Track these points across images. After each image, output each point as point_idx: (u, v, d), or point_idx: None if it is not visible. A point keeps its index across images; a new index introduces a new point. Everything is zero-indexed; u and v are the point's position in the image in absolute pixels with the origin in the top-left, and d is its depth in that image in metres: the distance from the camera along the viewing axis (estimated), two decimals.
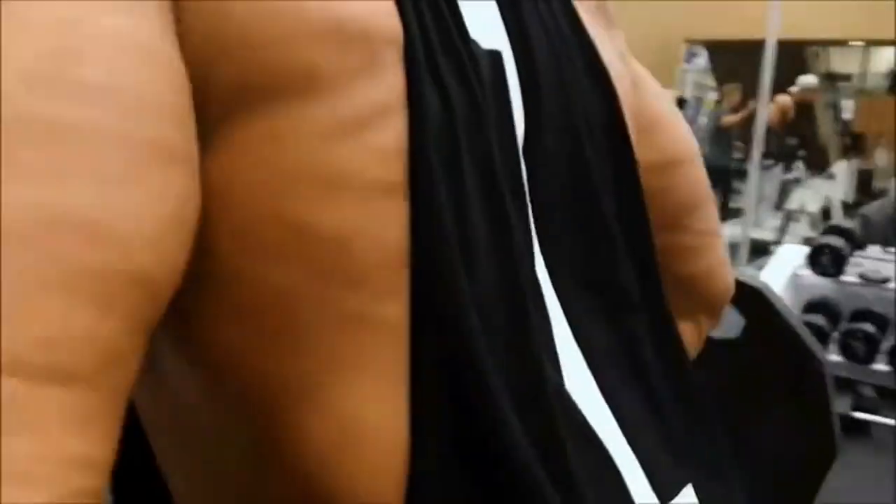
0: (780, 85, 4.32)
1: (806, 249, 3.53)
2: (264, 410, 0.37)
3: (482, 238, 0.40)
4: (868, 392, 3.22)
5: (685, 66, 9.63)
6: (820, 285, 3.41)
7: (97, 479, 0.28)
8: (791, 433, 0.86)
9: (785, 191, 6.65)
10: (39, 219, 0.28)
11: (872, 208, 5.59)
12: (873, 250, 4.11)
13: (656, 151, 0.57)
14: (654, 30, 7.11)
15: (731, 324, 0.87)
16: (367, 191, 0.37)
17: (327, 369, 0.37)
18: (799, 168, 6.88)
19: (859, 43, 9.98)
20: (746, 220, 4.53)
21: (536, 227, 0.45)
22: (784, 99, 6.74)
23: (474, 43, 0.43)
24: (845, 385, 3.08)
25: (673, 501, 0.45)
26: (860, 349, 3.16)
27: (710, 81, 9.84)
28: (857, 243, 3.65)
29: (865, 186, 8.25)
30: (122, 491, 0.55)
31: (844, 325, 3.27)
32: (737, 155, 7.15)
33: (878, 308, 3.39)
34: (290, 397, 0.37)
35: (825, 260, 3.41)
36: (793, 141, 6.91)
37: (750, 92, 6.95)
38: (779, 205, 6.68)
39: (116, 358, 0.30)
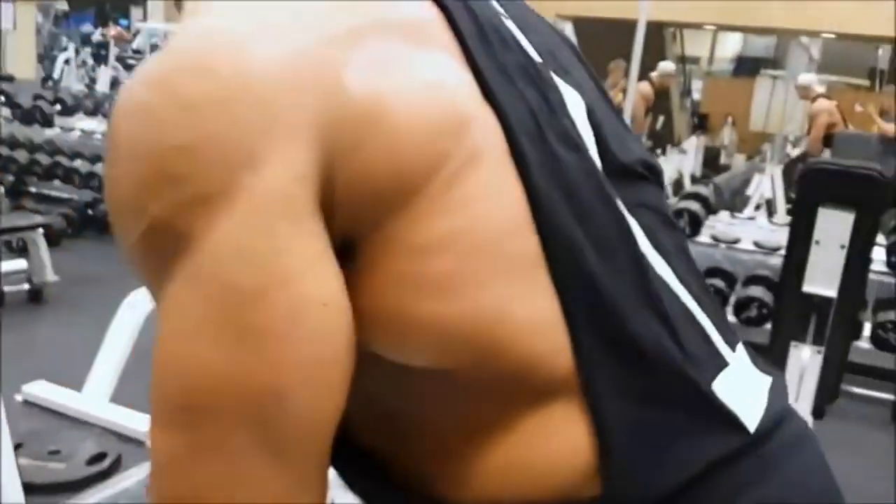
0: (643, 65, 4.67)
1: None
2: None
3: (586, 184, 0.54)
4: None
5: None
6: None
7: None
8: None
9: None
10: None
11: (723, 179, 6.14)
12: (723, 215, 4.60)
13: None
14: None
15: None
16: None
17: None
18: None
19: (711, 27, 10.66)
20: None
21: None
22: (645, 87, 7.18)
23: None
24: None
25: (736, 352, 0.60)
26: None
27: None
28: (711, 209, 4.06)
29: (713, 161, 8.91)
30: None
31: None
32: None
33: (727, 266, 3.83)
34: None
35: (683, 222, 3.75)
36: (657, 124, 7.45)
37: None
38: None
39: None
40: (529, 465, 0.52)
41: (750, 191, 6.16)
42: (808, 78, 7.48)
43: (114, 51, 10.23)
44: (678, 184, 6.69)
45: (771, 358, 1.65)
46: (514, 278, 0.50)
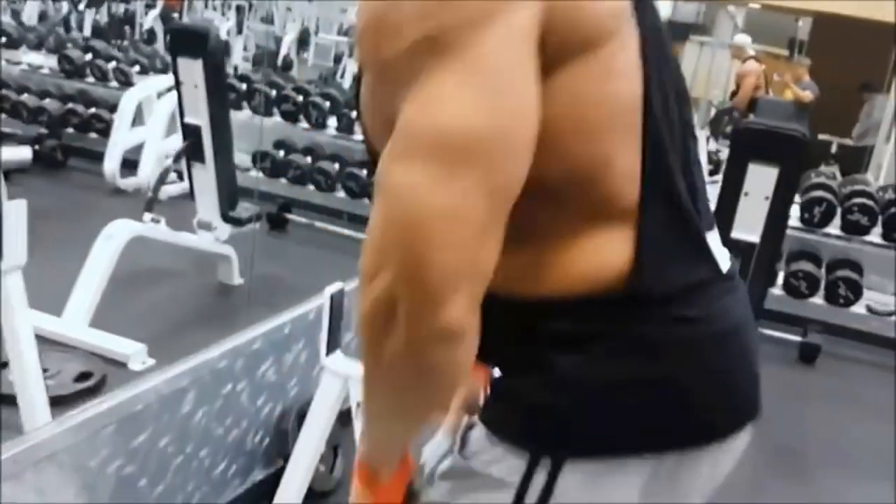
0: None
1: None
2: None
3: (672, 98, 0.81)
4: None
5: None
6: None
7: None
8: None
9: None
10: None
11: None
12: None
13: None
14: None
15: None
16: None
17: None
18: None
19: None
20: None
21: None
22: None
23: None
24: None
25: (713, 233, 0.88)
26: None
27: None
28: None
29: None
30: None
31: None
32: None
33: None
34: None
35: None
36: None
37: None
38: None
39: None
40: (585, 267, 0.79)
41: None
42: (742, 38, 7.90)
43: None
44: None
45: None
46: (623, 140, 0.77)
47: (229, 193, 3.59)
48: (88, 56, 5.55)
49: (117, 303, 3.16)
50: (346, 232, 4.66)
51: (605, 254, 0.78)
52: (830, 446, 3.31)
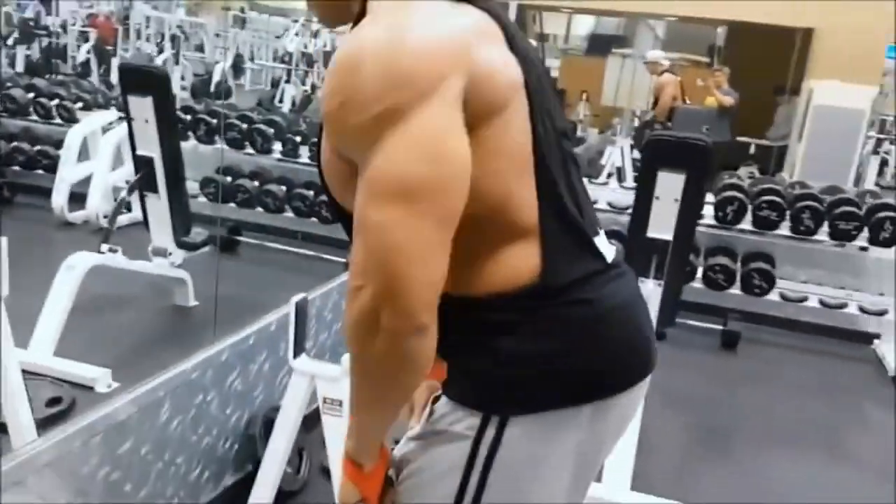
0: None
1: None
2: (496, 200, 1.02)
3: (553, 139, 1.07)
4: None
5: None
6: None
7: None
8: None
9: None
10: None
11: (580, 150, 6.83)
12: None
13: None
14: None
15: None
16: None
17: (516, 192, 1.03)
18: None
19: (567, 10, 11.38)
20: None
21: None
22: None
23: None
24: None
25: (599, 236, 1.15)
26: None
27: None
28: None
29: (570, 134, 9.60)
30: None
31: None
32: None
33: None
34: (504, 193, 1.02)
35: None
36: None
37: None
38: None
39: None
40: (507, 271, 1.05)
41: (603, 160, 6.90)
42: (655, 54, 8.34)
43: None
44: None
45: None
46: (521, 178, 1.04)
47: (183, 220, 3.77)
48: (31, 94, 5.65)
49: (79, 330, 3.31)
50: (296, 250, 4.90)
51: (520, 260, 1.05)
52: (756, 423, 3.60)
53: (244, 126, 5.18)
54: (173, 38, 10.83)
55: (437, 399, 1.14)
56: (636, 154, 6.57)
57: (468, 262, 1.04)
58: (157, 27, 11.94)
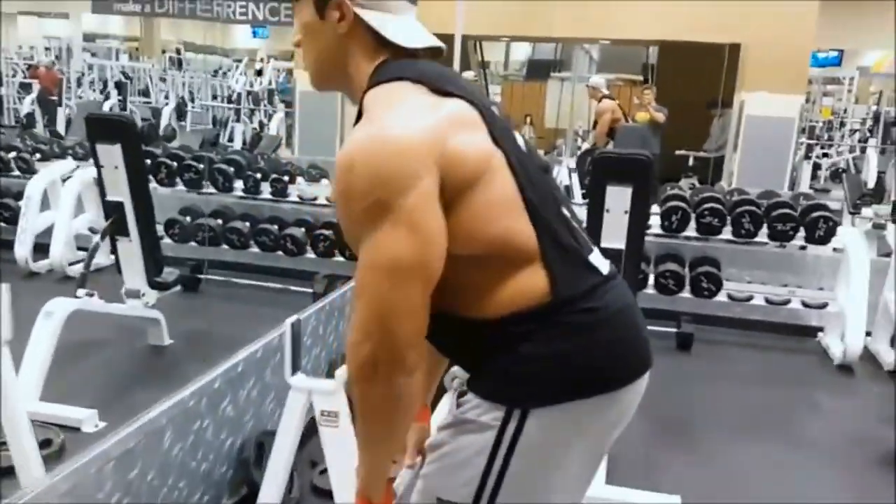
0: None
1: None
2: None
3: (536, 180, 1.27)
4: None
5: None
6: None
7: None
8: None
9: None
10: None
11: None
12: None
13: None
14: None
15: None
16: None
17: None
18: None
19: (506, 38, 11.74)
20: None
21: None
22: None
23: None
24: None
25: (594, 253, 1.34)
26: None
27: None
28: None
29: None
30: None
31: None
32: None
33: None
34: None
35: None
36: None
37: None
38: None
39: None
40: (519, 294, 1.24)
41: None
42: (597, 80, 8.70)
43: None
44: None
45: None
46: (515, 218, 1.23)
47: (155, 261, 3.88)
48: None
49: (60, 374, 3.40)
50: (263, 283, 5.04)
51: (529, 283, 1.24)
52: (715, 416, 3.82)
53: (201, 166, 5.29)
54: (118, 85, 10.89)
55: (462, 394, 1.34)
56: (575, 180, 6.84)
57: (483, 291, 1.25)
58: (100, 74, 11.98)
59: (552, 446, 1.26)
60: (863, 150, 11.31)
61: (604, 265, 1.33)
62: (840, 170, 10.90)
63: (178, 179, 5.31)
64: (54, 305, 3.45)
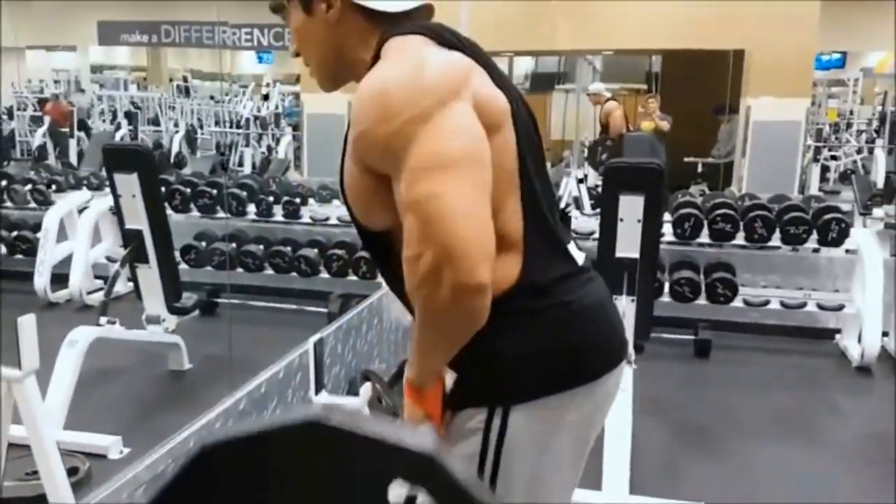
0: None
1: None
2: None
3: (535, 158, 1.29)
4: None
5: None
6: None
7: None
8: None
9: None
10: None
11: None
12: None
13: None
14: None
15: None
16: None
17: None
18: None
19: (508, 53, 11.77)
20: None
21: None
22: None
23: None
24: None
25: (571, 244, 1.36)
26: None
27: None
28: None
29: None
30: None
31: None
32: None
33: None
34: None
35: None
36: None
37: None
38: None
39: None
40: (496, 277, 1.18)
41: (561, 191, 7.19)
42: (596, 86, 8.75)
43: None
44: None
45: None
46: (509, 194, 1.24)
47: (174, 286, 3.93)
48: (3, 182, 5.77)
49: (83, 402, 3.43)
50: (279, 305, 5.07)
51: (503, 270, 1.22)
52: (736, 421, 3.82)
53: (214, 192, 5.35)
54: (128, 115, 11.00)
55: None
56: (591, 181, 6.87)
57: None
58: (109, 104, 12.10)
59: (539, 439, 1.27)
60: (870, 151, 11.29)
61: (580, 256, 1.35)
62: (849, 171, 10.88)
63: (192, 205, 5.35)
64: (78, 334, 3.49)
